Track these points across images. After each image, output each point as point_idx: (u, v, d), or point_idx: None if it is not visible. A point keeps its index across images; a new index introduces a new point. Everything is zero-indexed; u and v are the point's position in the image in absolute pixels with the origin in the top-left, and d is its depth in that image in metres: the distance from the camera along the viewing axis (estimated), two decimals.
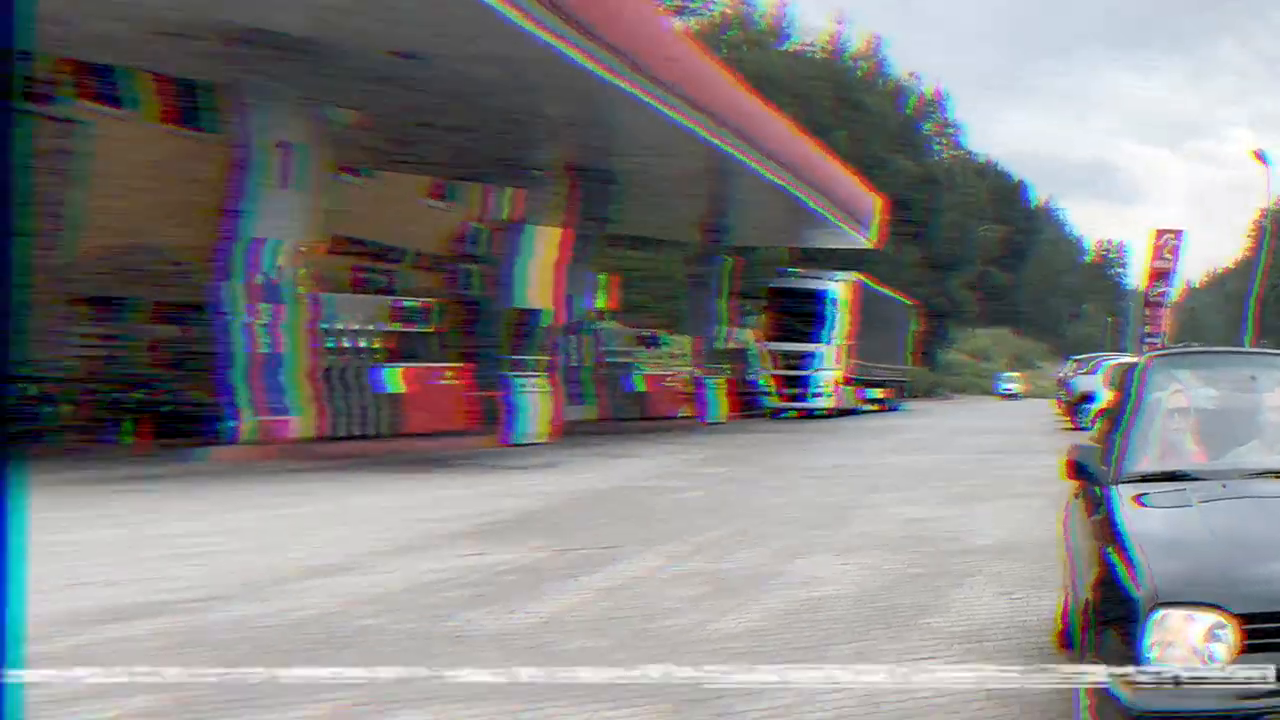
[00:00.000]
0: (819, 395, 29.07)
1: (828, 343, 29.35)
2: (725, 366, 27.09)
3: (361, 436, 14.38)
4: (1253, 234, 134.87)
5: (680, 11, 39.35)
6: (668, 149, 19.20)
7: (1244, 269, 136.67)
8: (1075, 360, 31.37)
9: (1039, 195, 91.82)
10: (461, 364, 16.52)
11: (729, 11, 46.27)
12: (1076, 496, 4.62)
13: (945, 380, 54.43)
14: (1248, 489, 3.79)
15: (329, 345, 13.98)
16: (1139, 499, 3.68)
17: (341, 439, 13.99)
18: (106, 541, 8.42)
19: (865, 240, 31.79)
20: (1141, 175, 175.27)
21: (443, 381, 15.68)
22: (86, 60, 13.84)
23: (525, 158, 19.36)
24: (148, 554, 7.92)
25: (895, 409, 36.40)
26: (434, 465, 14.20)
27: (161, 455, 13.24)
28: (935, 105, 58.08)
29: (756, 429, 24.34)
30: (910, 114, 53.23)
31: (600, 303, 23.43)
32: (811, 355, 29.07)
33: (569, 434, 18.37)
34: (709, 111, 18.15)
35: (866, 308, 31.90)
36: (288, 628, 5.86)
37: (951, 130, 60.80)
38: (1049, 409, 36.42)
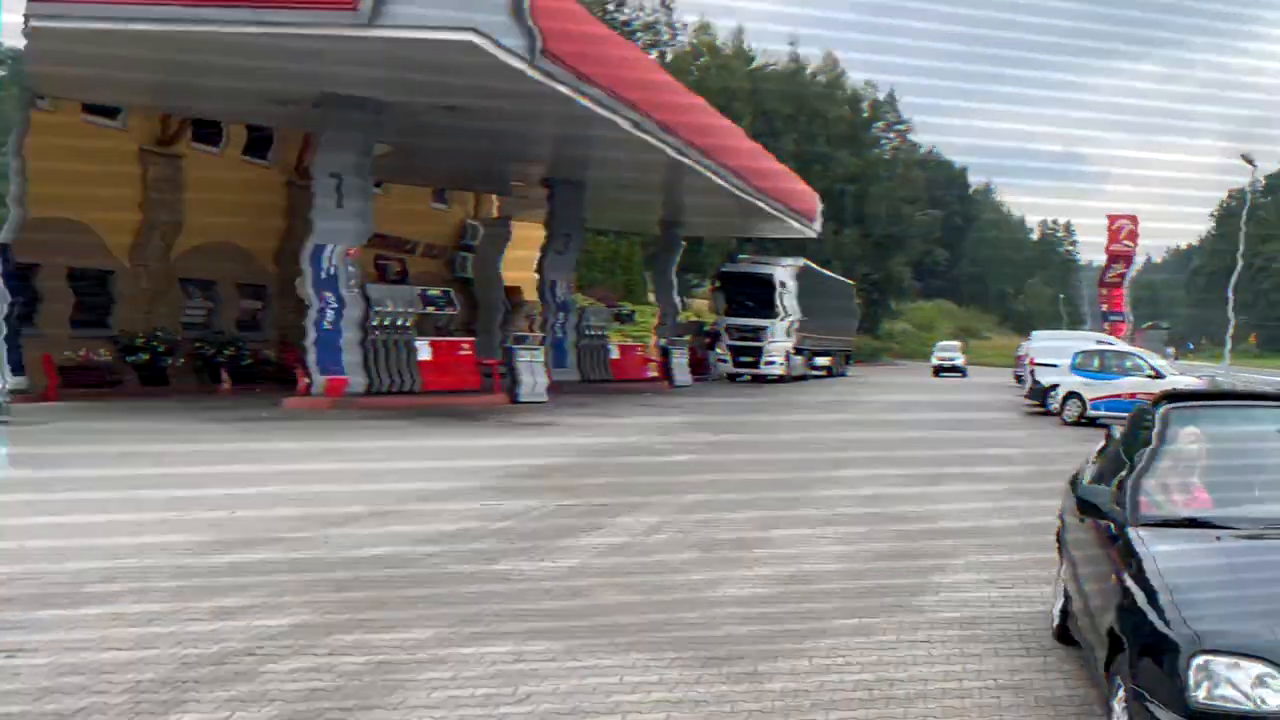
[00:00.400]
0: (771, 364, 32.14)
1: (778, 318, 32.47)
2: (686, 338, 30.85)
3: (396, 392, 18.00)
4: (1218, 214, 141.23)
5: (655, 45, 45.70)
6: (637, 162, 22.12)
7: (1209, 246, 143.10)
8: (1035, 346, 27.47)
9: (976, 181, 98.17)
10: (470, 337, 20.75)
11: (698, 41, 51.74)
12: (1081, 519, 4.77)
13: (889, 347, 59.57)
14: (1272, 539, 3.94)
15: (375, 324, 18.19)
16: (1162, 542, 3.83)
17: (381, 394, 17.65)
18: (241, 475, 10.38)
19: (810, 230, 35.63)
20: (1103, 165, 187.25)
21: (461, 352, 19.89)
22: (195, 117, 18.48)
23: (511, 171, 23.74)
24: (260, 489, 9.64)
25: (842, 374, 40.28)
26: (460, 419, 16.92)
27: (248, 399, 17.40)
28: (887, 106, 64.31)
29: (718, 393, 27.10)
30: (865, 116, 58.61)
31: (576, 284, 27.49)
32: (764, 329, 32.17)
33: (558, 394, 21.02)
34: (673, 131, 21.06)
35: (812, 287, 35.29)
36: (383, 563, 7.20)
37: (901, 126, 67.11)
38: (1005, 381, 37.51)
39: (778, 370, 32.24)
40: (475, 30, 14.09)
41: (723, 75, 45.21)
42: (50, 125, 16.79)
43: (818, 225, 36.31)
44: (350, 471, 11.18)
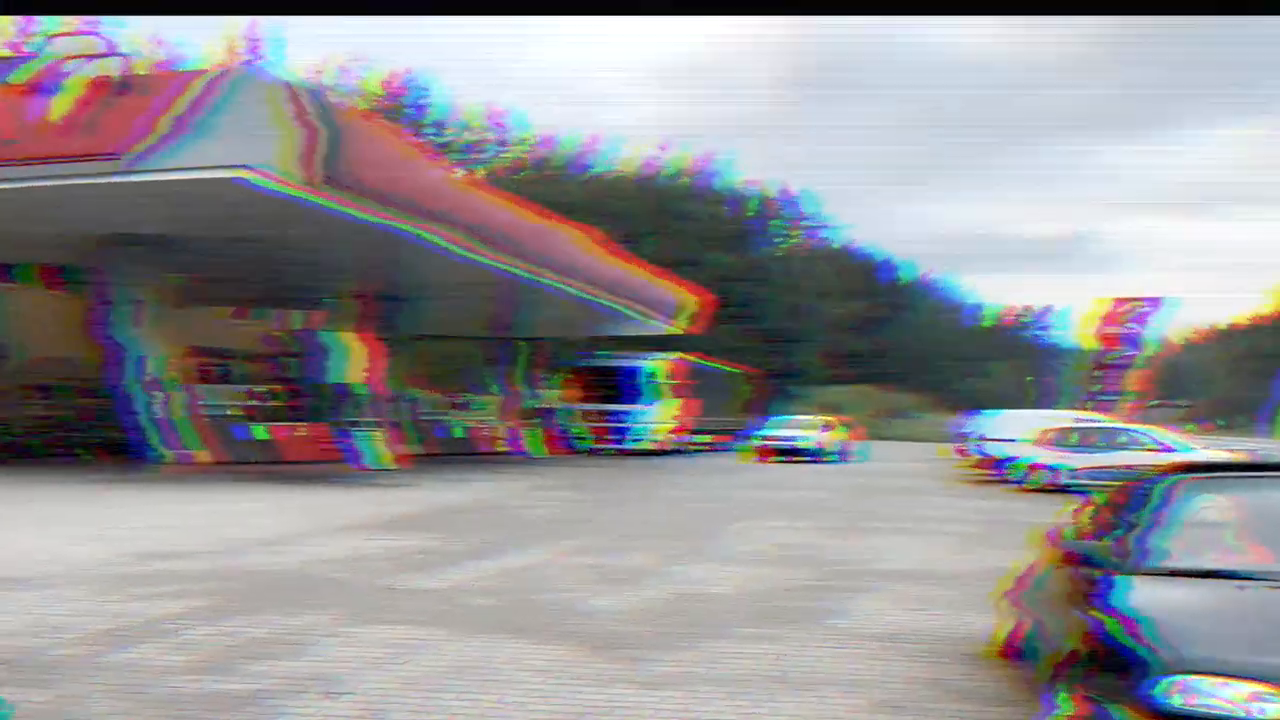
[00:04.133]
0: (639, 440, 38.35)
1: (647, 404, 38.98)
2: (538, 419, 38.24)
3: (245, 463, 23.50)
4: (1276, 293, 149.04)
5: (472, 161, 56.37)
6: (457, 272, 25.72)
7: (1264, 327, 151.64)
8: (988, 423, 30.54)
9: (920, 270, 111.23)
10: (309, 420, 27.15)
11: (521, 154, 62.40)
12: (1061, 569, 5.56)
13: None
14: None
15: (211, 413, 24.26)
16: (1159, 586, 4.56)
17: (233, 464, 22.87)
18: (127, 518, 13.24)
19: (669, 327, 41.66)
20: (1111, 245, 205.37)
21: (298, 433, 25.69)
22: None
23: (322, 288, 28.72)
24: (153, 524, 12.46)
25: (728, 449, 45.06)
26: (315, 480, 20.55)
27: (112, 468, 22.20)
28: (782, 203, 76.46)
29: (575, 463, 32.17)
30: (752, 214, 69.29)
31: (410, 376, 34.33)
32: (628, 413, 38.44)
33: (413, 462, 26.13)
34: (490, 239, 23.94)
35: (689, 376, 41.80)
36: (272, 575, 9.19)
37: (806, 222, 79.40)
38: (940, 456, 40.33)
39: (646, 444, 38.27)
40: (245, 165, 16.14)
41: (554, 187, 54.57)
42: None
43: (681, 321, 42.36)
44: (220, 514, 14.25)
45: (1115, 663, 4.01)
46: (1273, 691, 3.61)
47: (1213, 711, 3.64)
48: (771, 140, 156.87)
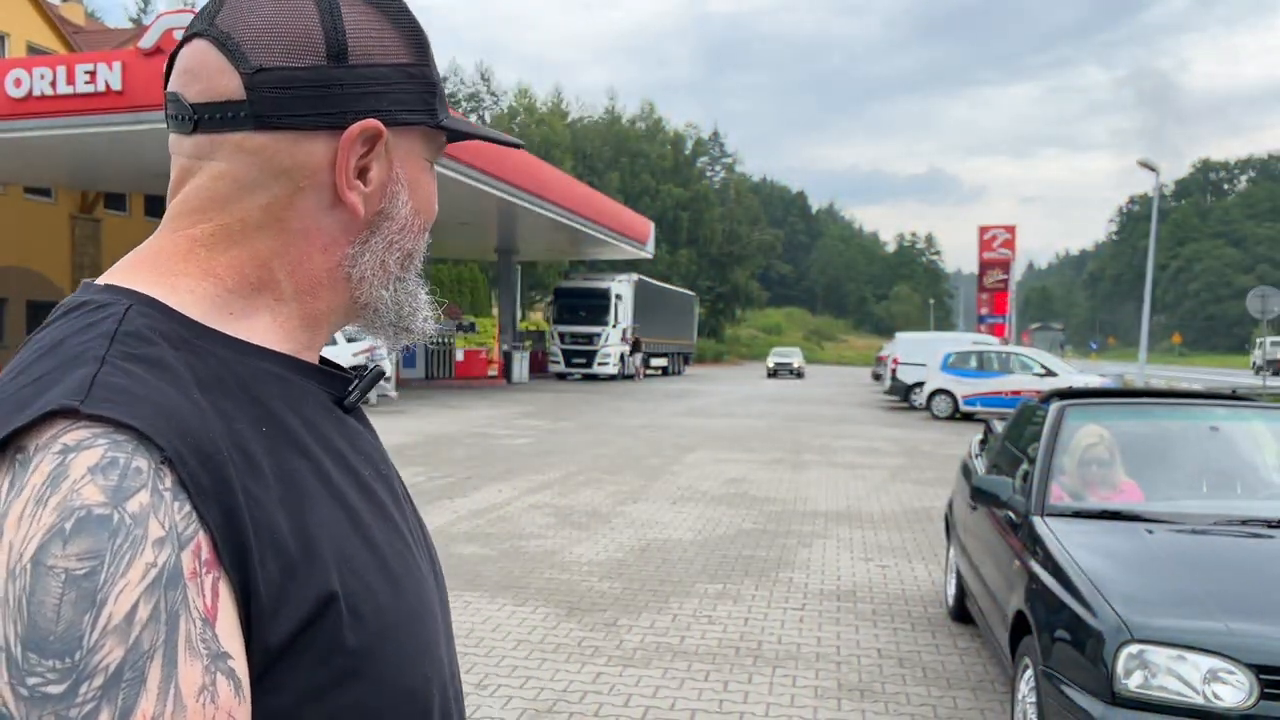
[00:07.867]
0: (604, 364, 34.98)
1: (610, 325, 35.16)
2: (528, 342, 35.50)
3: None
4: (1119, 219, 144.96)
5: (476, 110, 55.86)
6: (470, 204, 24.87)
7: (1110, 251, 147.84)
8: (899, 347, 27.09)
9: (818, 201, 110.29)
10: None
11: (517, 103, 61.03)
12: (974, 507, 4.93)
13: (734, 349, 67.22)
14: (1208, 533, 3.77)
15: None
16: (1076, 532, 3.77)
17: None
18: None
19: (644, 252, 39.14)
20: (978, 181, 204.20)
21: None
22: (105, 190, 24.93)
23: None
24: None
25: (679, 373, 44.81)
26: None
27: None
28: (712, 143, 75.25)
29: (553, 388, 29.75)
30: (689, 154, 67.76)
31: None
32: (597, 335, 34.90)
33: (407, 387, 25.39)
34: (498, 177, 23.60)
35: (647, 298, 38.61)
36: None
37: (727, 159, 78.11)
38: (863, 378, 41.67)
39: (611, 369, 35.10)
40: None
41: (541, 130, 53.23)
42: (3, 204, 23.91)
43: (650, 247, 39.80)
44: None
45: (1063, 632, 3.31)
46: (1230, 665, 2.91)
47: (1171, 698, 2.92)
48: (692, 95, 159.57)
